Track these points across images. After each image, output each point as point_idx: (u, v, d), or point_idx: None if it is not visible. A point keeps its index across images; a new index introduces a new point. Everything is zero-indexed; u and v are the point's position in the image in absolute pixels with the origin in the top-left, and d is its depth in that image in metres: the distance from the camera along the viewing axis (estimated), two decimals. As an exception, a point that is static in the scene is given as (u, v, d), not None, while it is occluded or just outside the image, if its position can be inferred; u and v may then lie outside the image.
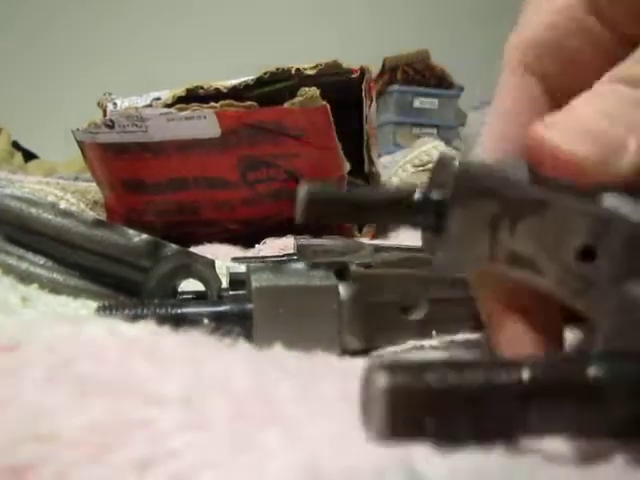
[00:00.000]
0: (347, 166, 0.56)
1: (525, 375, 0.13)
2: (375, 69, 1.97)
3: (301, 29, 2.01)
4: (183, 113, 0.51)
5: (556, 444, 0.15)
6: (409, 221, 0.20)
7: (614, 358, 0.14)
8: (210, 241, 0.53)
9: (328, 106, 0.50)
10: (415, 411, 0.13)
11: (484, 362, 0.14)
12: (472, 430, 0.13)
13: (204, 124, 0.50)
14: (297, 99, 0.49)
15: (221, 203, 0.55)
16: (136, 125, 0.52)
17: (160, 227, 0.57)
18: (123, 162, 0.56)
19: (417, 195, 0.20)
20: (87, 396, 0.14)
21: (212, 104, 0.51)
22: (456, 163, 0.19)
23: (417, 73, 1.94)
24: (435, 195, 0.20)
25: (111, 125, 0.54)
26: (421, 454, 0.12)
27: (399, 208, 0.20)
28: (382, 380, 0.13)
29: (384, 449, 0.12)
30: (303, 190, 0.19)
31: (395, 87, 1.93)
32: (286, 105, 0.49)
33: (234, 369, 0.16)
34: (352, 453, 0.12)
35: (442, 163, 0.20)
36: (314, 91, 0.49)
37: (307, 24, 2.03)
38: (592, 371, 0.13)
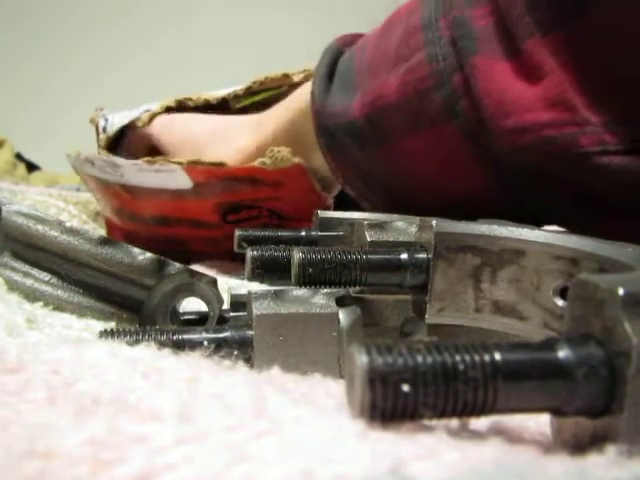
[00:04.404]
0: (330, 199, 0.54)
1: (497, 356, 0.14)
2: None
3: (295, 43, 2.02)
4: (152, 166, 0.50)
5: (546, 440, 0.16)
6: (398, 281, 0.22)
7: (579, 342, 0.15)
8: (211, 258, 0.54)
9: (302, 163, 0.47)
10: (395, 388, 0.14)
11: (459, 344, 0.14)
12: (448, 406, 0.14)
13: (174, 177, 0.50)
14: (267, 159, 0.47)
15: (206, 239, 0.55)
16: (113, 169, 0.53)
17: (155, 250, 0.57)
18: (109, 194, 0.57)
19: (403, 256, 0.21)
20: (86, 414, 0.14)
21: (178, 160, 0.49)
22: (434, 223, 0.21)
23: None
24: (419, 254, 0.21)
25: (92, 163, 0.54)
26: (413, 457, 0.13)
27: (388, 269, 0.22)
28: (362, 359, 0.14)
29: (378, 455, 0.13)
30: (297, 255, 0.21)
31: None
32: (256, 164, 0.47)
33: (230, 385, 0.16)
34: (347, 461, 0.13)
35: (423, 225, 0.22)
36: (284, 151, 0.47)
37: (303, 37, 2.03)
38: (562, 353, 0.14)
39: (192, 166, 0.48)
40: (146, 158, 0.50)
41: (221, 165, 0.48)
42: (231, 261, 0.51)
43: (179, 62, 1.90)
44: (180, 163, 0.48)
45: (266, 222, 0.52)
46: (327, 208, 0.53)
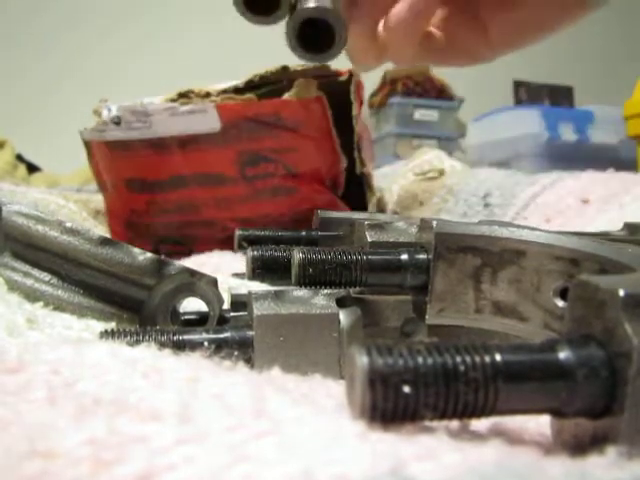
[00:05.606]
0: (344, 161, 0.57)
1: (498, 357, 0.14)
2: (375, 82, 1.98)
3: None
4: (185, 107, 0.53)
5: (546, 441, 0.15)
6: (398, 282, 0.22)
7: (580, 343, 0.15)
8: (211, 247, 0.54)
9: (324, 96, 0.51)
10: (395, 389, 0.14)
11: (460, 345, 0.14)
12: (449, 407, 0.14)
13: (205, 118, 0.53)
14: (293, 90, 0.51)
15: (220, 201, 0.57)
16: (141, 121, 0.55)
17: (161, 228, 0.59)
18: (127, 160, 0.58)
19: (404, 256, 0.21)
20: (87, 414, 0.14)
21: (213, 98, 0.53)
22: (435, 223, 0.21)
23: (417, 85, 1.95)
24: (420, 255, 0.21)
25: (118, 122, 0.56)
26: (413, 458, 0.13)
27: (389, 270, 0.22)
28: (363, 360, 0.14)
29: (378, 456, 0.13)
30: (297, 255, 0.21)
31: (396, 99, 1.94)
32: (284, 97, 0.51)
33: (231, 385, 0.16)
34: (347, 462, 0.13)
35: (423, 225, 0.22)
36: (310, 81, 0.51)
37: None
38: (562, 354, 0.14)
39: (224, 103, 0.52)
40: (180, 99, 0.53)
41: (250, 100, 0.51)
42: (232, 252, 0.52)
43: (180, 66, 1.90)
44: (214, 100, 0.52)
45: (280, 183, 0.54)
46: (340, 174, 0.57)
